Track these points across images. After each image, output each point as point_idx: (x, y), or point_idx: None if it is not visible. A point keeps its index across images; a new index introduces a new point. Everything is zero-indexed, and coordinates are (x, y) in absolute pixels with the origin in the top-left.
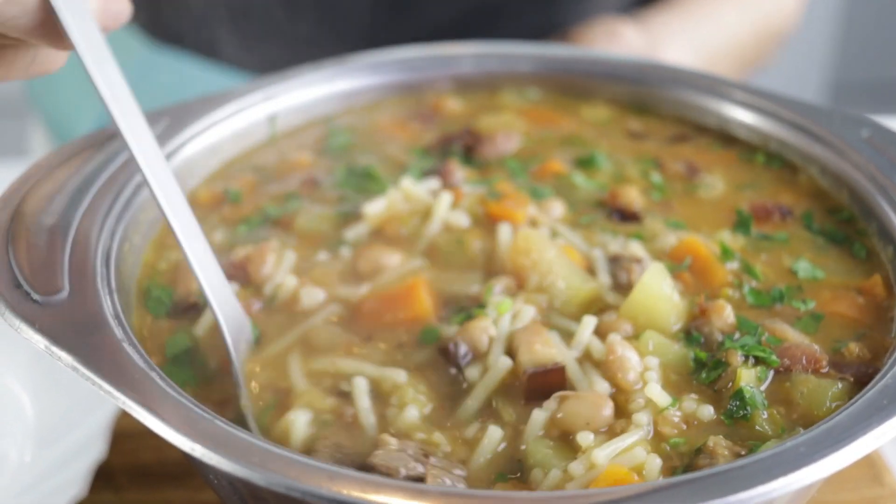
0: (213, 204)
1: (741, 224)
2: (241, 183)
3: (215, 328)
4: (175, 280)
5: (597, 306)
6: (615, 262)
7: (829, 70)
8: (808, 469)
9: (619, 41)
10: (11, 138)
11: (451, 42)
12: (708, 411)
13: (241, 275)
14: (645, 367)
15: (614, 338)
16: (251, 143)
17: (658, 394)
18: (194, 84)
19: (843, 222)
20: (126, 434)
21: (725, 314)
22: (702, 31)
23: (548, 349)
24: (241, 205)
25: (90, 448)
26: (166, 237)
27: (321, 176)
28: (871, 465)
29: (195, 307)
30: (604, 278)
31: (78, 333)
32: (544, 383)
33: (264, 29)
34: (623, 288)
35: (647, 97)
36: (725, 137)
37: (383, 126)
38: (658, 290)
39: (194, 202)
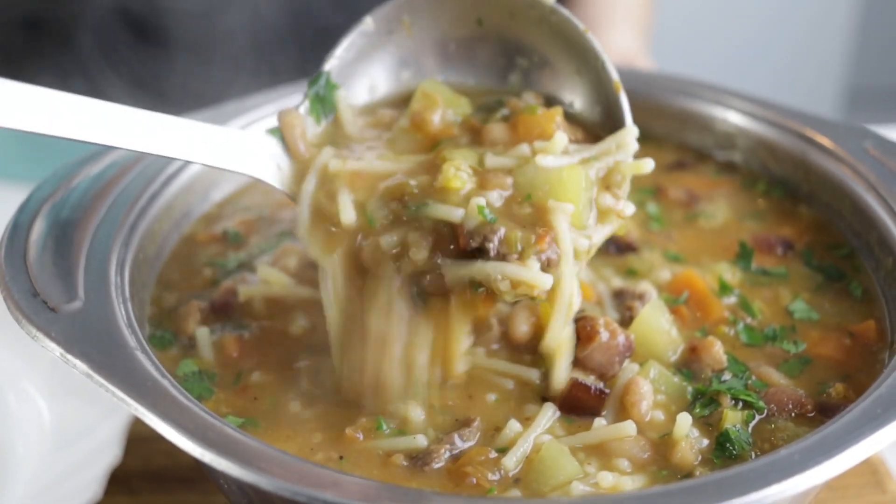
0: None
1: (742, 257)
2: (237, 223)
3: (219, 346)
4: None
5: None
6: (619, 297)
7: (844, 77)
8: (802, 476)
9: None
10: None
11: None
12: (702, 444)
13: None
14: (655, 401)
15: (637, 377)
16: None
17: (686, 426)
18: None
19: (842, 258)
20: (140, 438)
21: (715, 351)
22: (629, 3)
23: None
24: (244, 244)
25: (105, 452)
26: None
27: None
28: (873, 472)
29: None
30: (611, 314)
31: (92, 342)
32: (583, 399)
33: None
34: (626, 323)
35: (646, 108)
36: (725, 165)
37: None
38: (656, 325)
39: (192, 240)
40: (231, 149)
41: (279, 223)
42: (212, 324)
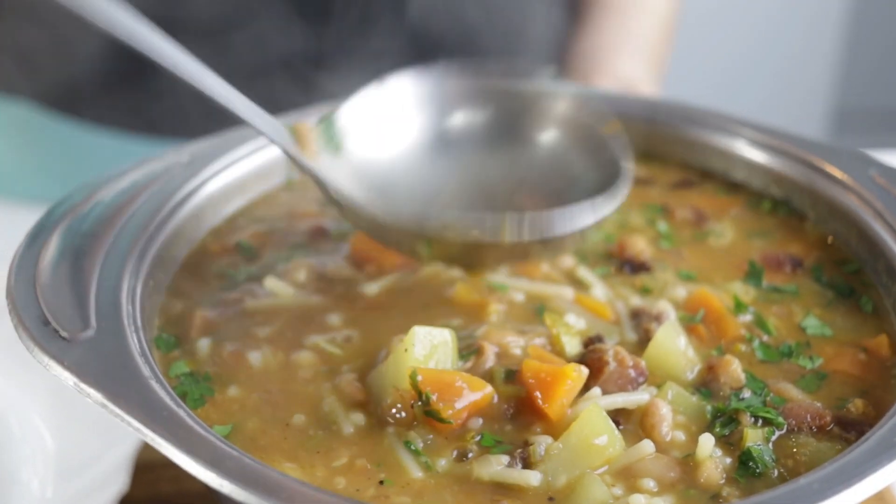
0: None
1: (753, 275)
2: (249, 235)
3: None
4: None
5: None
6: (636, 317)
7: (831, 99)
8: None
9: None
10: None
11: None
12: (726, 462)
13: None
14: (675, 422)
15: (655, 400)
16: (273, 182)
17: (708, 447)
18: (90, 153)
19: (851, 274)
20: (145, 466)
21: (733, 370)
22: (643, 31)
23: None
24: (258, 258)
25: (112, 481)
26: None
27: (329, 225)
28: (879, 498)
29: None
30: (629, 335)
31: (106, 371)
32: None
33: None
34: (644, 343)
35: (653, 137)
36: (730, 184)
37: None
38: (672, 346)
39: (204, 251)
40: (260, 115)
41: (293, 235)
42: (214, 333)
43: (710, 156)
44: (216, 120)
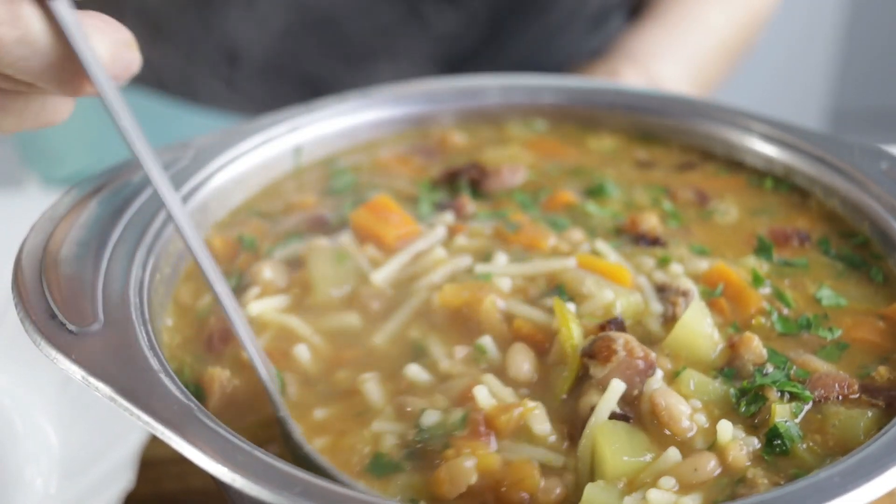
0: (230, 254)
1: (763, 250)
2: (251, 229)
3: None
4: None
5: (638, 332)
6: (661, 292)
7: (828, 98)
8: (843, 499)
9: (620, 82)
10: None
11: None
12: (752, 443)
13: None
14: (693, 409)
15: (658, 391)
16: (276, 174)
17: (728, 431)
18: (171, 126)
19: (858, 247)
20: (150, 462)
21: (754, 346)
22: (691, 42)
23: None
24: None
25: (118, 478)
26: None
27: (328, 214)
28: (890, 495)
29: None
30: (655, 307)
31: (114, 364)
32: None
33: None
34: (667, 319)
35: (659, 130)
36: (732, 163)
37: (388, 161)
38: (699, 327)
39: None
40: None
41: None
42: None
43: (720, 149)
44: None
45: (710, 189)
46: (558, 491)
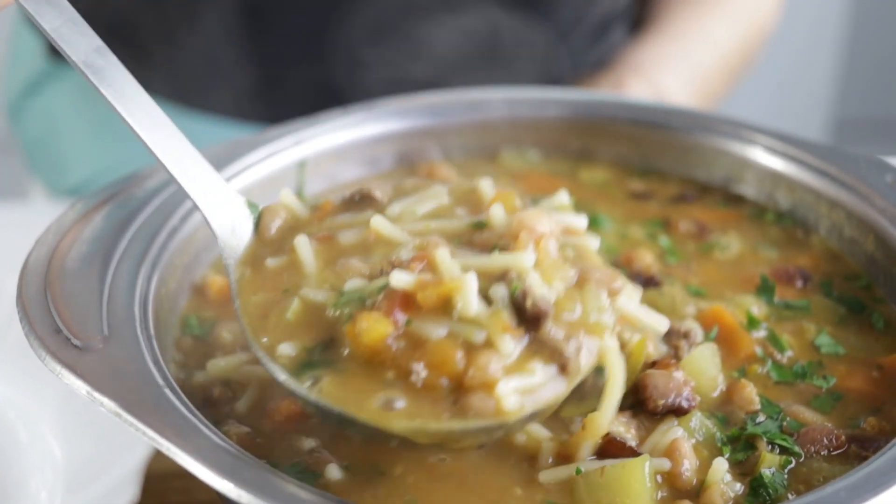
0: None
1: (765, 290)
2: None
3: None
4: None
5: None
6: (665, 335)
7: (831, 108)
8: None
9: (625, 94)
10: (7, 177)
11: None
12: (736, 489)
13: None
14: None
15: (682, 441)
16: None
17: (722, 470)
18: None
19: (861, 290)
20: (154, 476)
21: (747, 393)
22: (695, 55)
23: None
24: None
25: (121, 492)
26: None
27: None
28: None
29: None
30: (661, 348)
31: (119, 379)
32: (617, 454)
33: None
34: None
35: (662, 141)
36: (730, 196)
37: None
38: (706, 369)
39: (206, 288)
40: (206, 183)
41: None
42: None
43: (723, 163)
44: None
45: (710, 222)
46: None
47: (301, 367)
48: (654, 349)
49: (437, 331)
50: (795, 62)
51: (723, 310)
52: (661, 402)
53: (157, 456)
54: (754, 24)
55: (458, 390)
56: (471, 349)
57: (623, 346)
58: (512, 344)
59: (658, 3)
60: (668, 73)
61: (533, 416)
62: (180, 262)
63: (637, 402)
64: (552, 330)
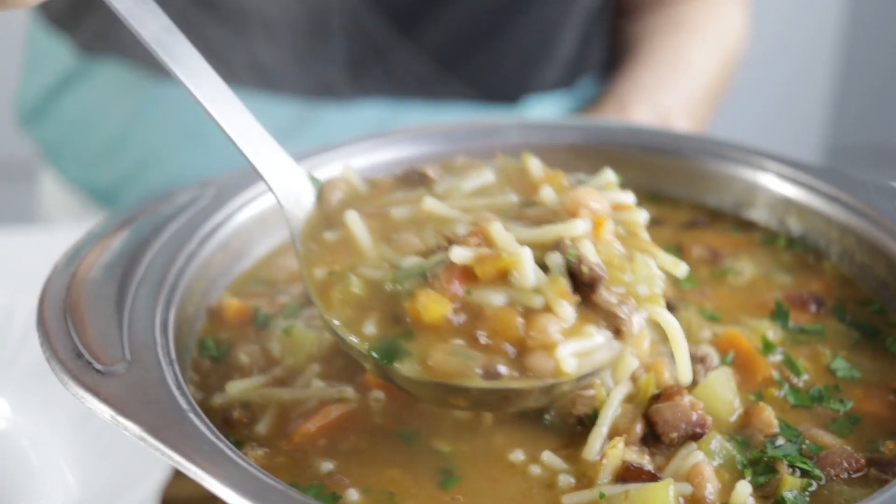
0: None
1: (780, 315)
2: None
3: None
4: None
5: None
6: None
7: (825, 134)
8: None
9: (629, 118)
10: (19, 202)
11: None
12: None
13: None
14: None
15: (704, 465)
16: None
17: (745, 493)
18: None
19: (874, 314)
20: (170, 502)
21: (766, 416)
22: (682, 81)
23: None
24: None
25: None
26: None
27: None
28: None
29: None
30: (673, 373)
31: (142, 403)
32: (634, 479)
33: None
34: (689, 387)
35: (673, 167)
36: (741, 222)
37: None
38: (721, 393)
39: (222, 311)
40: (271, 157)
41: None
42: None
43: (734, 189)
44: None
45: (722, 247)
46: None
47: (384, 344)
48: (671, 376)
49: (496, 299)
50: (790, 88)
51: (738, 334)
52: (674, 434)
53: (174, 482)
54: (727, 50)
55: (521, 354)
56: (530, 315)
57: (634, 380)
58: (569, 309)
59: (634, 32)
60: (667, 95)
61: (588, 376)
62: (198, 288)
63: (650, 434)
64: (606, 295)
